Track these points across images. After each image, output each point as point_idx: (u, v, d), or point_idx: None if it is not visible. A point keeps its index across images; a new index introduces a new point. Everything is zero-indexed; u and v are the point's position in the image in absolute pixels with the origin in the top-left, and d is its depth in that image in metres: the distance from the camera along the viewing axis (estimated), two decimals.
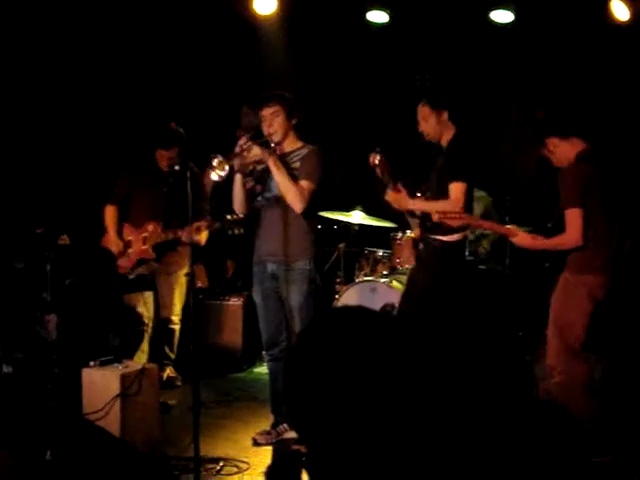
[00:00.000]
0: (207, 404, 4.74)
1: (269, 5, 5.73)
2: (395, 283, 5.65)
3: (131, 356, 4.83)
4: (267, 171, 4.14)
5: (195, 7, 6.03)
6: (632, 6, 4.96)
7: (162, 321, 5.36)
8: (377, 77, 6.79)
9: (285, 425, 4.19)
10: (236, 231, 4.39)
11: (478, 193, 5.10)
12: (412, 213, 4.61)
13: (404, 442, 1.31)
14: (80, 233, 5.26)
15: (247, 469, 3.80)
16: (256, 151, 4.05)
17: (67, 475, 3.41)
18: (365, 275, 6.02)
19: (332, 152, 4.47)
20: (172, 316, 5.36)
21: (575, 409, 3.43)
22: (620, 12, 5.05)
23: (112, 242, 5.23)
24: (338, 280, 6.21)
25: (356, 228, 6.33)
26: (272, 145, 4.14)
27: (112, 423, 3.82)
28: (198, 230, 4.73)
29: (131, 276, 5.16)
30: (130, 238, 5.22)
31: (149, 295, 5.28)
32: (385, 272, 5.93)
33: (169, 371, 5.38)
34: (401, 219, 5.35)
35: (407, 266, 5.60)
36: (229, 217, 4.41)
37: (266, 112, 4.16)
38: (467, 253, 5.40)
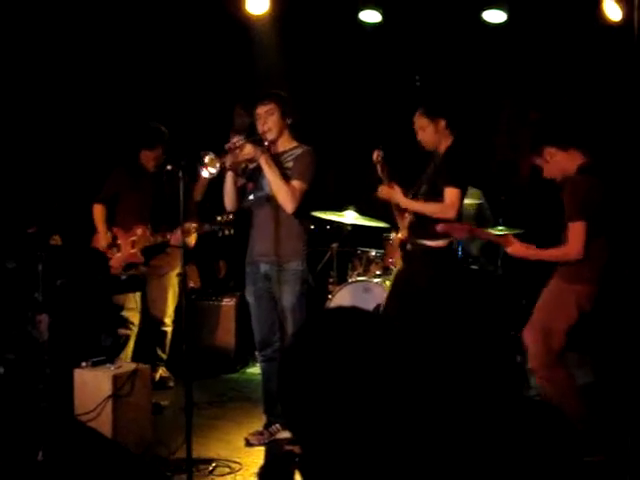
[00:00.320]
0: (200, 405, 4.73)
1: (261, 5, 5.71)
2: (388, 283, 5.64)
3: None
4: (259, 169, 4.12)
5: (187, 7, 6.02)
6: (624, 6, 4.97)
7: (154, 323, 5.34)
8: (370, 77, 6.79)
9: (278, 425, 4.19)
10: (226, 232, 4.38)
11: (470, 190, 5.10)
12: (400, 211, 4.57)
13: (398, 442, 1.31)
14: (72, 233, 5.26)
15: (239, 469, 3.80)
16: (249, 149, 4.03)
17: (59, 476, 3.40)
18: (358, 275, 6.01)
19: (325, 152, 4.46)
20: (164, 318, 5.34)
21: (563, 410, 3.45)
22: (612, 12, 5.06)
23: (101, 238, 5.22)
24: (331, 280, 6.20)
25: (349, 228, 6.32)
26: (265, 143, 4.13)
27: (104, 424, 3.80)
28: (187, 233, 4.72)
29: (123, 276, 5.14)
30: (119, 242, 5.20)
31: (137, 296, 5.27)
32: (378, 272, 5.93)
33: (162, 371, 5.37)
34: (394, 220, 5.36)
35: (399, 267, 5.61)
36: (219, 218, 4.40)
37: (261, 110, 4.15)
38: (460, 253, 5.42)
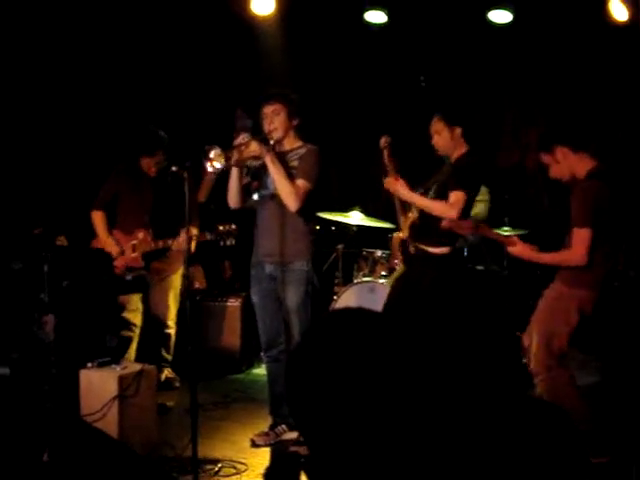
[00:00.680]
0: (205, 405, 4.73)
1: (267, 5, 5.71)
2: None
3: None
4: (264, 168, 4.12)
5: (193, 7, 6.03)
6: (630, 6, 4.96)
7: (157, 325, 5.34)
8: (375, 78, 6.79)
9: (283, 426, 4.18)
10: (227, 242, 4.37)
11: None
12: (403, 210, 4.54)
13: (405, 444, 1.30)
14: (77, 234, 5.25)
15: (245, 470, 3.78)
16: (254, 146, 4.01)
17: (64, 477, 3.40)
18: (364, 276, 6.01)
19: (330, 152, 4.45)
20: (168, 321, 5.33)
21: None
22: (618, 12, 5.05)
23: (108, 245, 5.18)
24: (336, 281, 6.20)
25: (354, 229, 6.32)
26: (271, 142, 4.12)
27: (110, 424, 3.80)
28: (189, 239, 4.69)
29: (128, 277, 5.14)
30: (120, 245, 5.19)
31: (138, 297, 5.26)
32: (384, 273, 5.92)
33: (167, 372, 5.37)
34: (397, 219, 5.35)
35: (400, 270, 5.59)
36: (221, 228, 4.39)
37: (267, 109, 4.14)
38: (465, 253, 5.40)
